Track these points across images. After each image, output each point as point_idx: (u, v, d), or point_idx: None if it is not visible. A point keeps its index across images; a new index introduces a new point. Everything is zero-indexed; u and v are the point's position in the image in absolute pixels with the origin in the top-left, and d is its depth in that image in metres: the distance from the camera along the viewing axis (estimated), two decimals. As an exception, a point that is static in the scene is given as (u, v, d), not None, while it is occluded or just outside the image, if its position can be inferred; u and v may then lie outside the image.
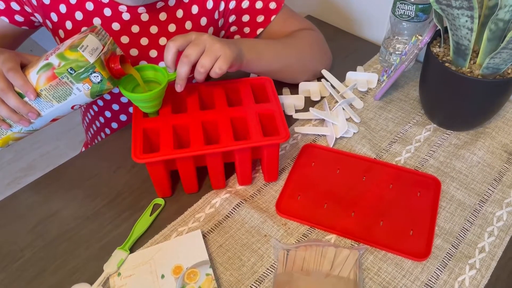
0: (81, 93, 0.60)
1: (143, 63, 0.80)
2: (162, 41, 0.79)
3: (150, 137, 0.64)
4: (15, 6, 0.76)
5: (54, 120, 0.66)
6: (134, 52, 0.78)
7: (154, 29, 0.78)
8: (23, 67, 0.62)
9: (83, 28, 0.75)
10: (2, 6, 0.76)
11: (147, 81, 0.66)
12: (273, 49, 0.76)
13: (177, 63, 0.63)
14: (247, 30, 0.83)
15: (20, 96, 0.61)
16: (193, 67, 0.63)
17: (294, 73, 0.83)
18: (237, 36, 0.85)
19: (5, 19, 0.76)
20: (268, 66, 0.76)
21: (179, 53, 0.63)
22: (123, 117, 0.90)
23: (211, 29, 0.82)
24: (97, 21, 0.75)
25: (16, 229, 0.64)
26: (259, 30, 0.82)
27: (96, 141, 0.99)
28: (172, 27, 0.78)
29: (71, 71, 0.58)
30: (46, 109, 0.62)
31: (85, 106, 0.68)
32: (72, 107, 0.63)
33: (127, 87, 0.64)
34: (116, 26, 0.76)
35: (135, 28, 0.77)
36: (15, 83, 0.60)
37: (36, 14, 0.77)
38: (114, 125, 0.91)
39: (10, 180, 1.76)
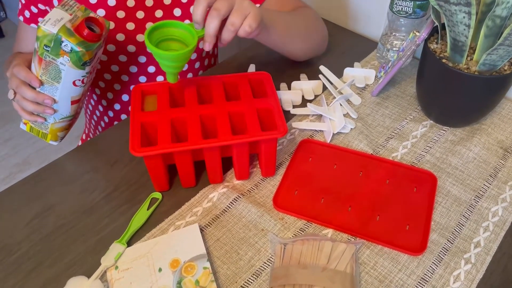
0: (66, 66, 0.62)
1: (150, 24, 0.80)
2: (158, 13, 0.79)
3: (148, 131, 0.64)
4: (34, 9, 0.78)
5: (74, 102, 0.69)
6: (130, 26, 0.79)
7: (149, 2, 0.78)
8: None
9: None
10: (28, 15, 0.79)
11: (172, 39, 0.62)
12: (284, 18, 0.76)
13: (205, 20, 0.60)
14: None
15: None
16: (221, 27, 0.61)
17: (300, 44, 0.83)
18: None
19: (34, 26, 0.80)
20: (280, 35, 0.75)
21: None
22: (123, 117, 0.90)
23: None
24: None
25: (12, 223, 0.64)
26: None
27: None
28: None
29: (46, 48, 0.60)
30: (55, 93, 0.66)
31: (89, 86, 0.70)
32: (74, 83, 0.65)
33: (152, 41, 0.60)
34: (111, 2, 0.77)
35: (130, 3, 0.78)
36: (20, 76, 0.65)
37: (39, 5, 0.79)
38: None
39: (6, 175, 1.75)
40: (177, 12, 0.80)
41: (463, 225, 0.63)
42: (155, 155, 0.60)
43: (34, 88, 0.66)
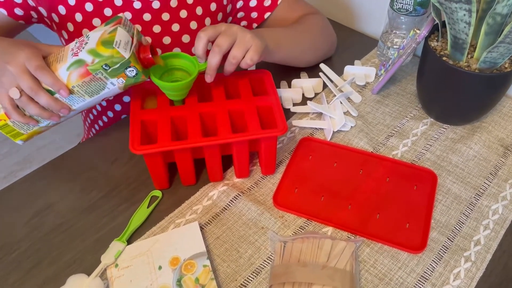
0: (115, 87, 0.61)
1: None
2: (175, 27, 0.79)
3: (148, 129, 0.64)
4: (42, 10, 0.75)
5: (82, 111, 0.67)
6: (157, 28, 0.79)
7: (166, 16, 0.78)
8: (44, 59, 0.60)
9: (109, 19, 0.68)
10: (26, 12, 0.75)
11: (175, 69, 0.66)
12: (290, 37, 0.78)
13: (207, 54, 0.63)
14: (254, 15, 0.83)
15: (50, 93, 0.59)
16: (223, 58, 0.63)
17: (307, 57, 0.85)
18: (243, 23, 0.86)
19: (3, 11, 0.75)
20: (287, 54, 0.78)
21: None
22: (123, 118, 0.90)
23: (220, 15, 0.83)
24: (108, 11, 0.75)
25: (12, 221, 0.64)
26: (267, 14, 0.83)
27: None
28: (183, 13, 0.79)
29: (106, 68, 0.57)
30: (77, 104, 0.63)
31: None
32: (103, 99, 0.64)
33: (155, 74, 0.63)
34: (128, 15, 0.77)
35: (146, 16, 0.77)
36: (46, 82, 0.58)
37: (40, 8, 0.76)
38: None
39: (6, 173, 1.75)
40: (199, 10, 0.80)
41: (463, 223, 0.63)
42: (155, 153, 0.60)
43: (50, 93, 0.60)
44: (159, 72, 0.64)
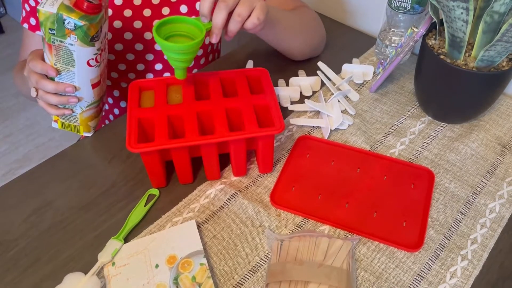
0: (76, 46, 0.61)
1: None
2: (165, 10, 0.79)
3: (145, 128, 0.64)
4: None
5: (95, 85, 0.68)
6: (138, 24, 0.79)
7: (166, 11, 0.78)
8: None
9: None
10: (33, 22, 0.78)
11: (178, 35, 0.63)
12: (286, 17, 0.76)
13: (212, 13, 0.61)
14: None
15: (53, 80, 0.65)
16: (228, 18, 0.61)
17: (301, 45, 0.84)
18: None
19: (40, 33, 0.77)
20: (281, 33, 0.76)
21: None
22: None
23: None
24: (108, 12, 0.75)
25: (10, 219, 0.64)
26: None
27: None
28: (183, 8, 0.79)
29: (51, 32, 0.59)
30: (73, 78, 0.65)
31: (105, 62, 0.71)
32: (88, 63, 0.64)
33: (160, 36, 0.60)
34: (128, 12, 0.77)
35: (147, 12, 0.78)
36: (37, 69, 0.64)
37: None
38: None
39: (6, 171, 1.75)
40: (184, 8, 0.80)
41: (460, 222, 0.63)
42: (152, 151, 0.60)
43: (53, 80, 0.65)
44: (162, 37, 0.61)
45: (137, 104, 0.65)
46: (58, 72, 0.64)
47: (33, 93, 0.67)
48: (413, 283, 0.57)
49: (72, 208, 0.66)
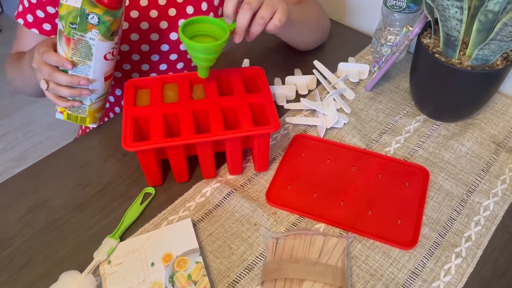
0: (96, 41, 0.61)
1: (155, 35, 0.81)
2: (172, 12, 0.80)
3: (141, 126, 0.64)
4: (40, 13, 0.76)
5: (107, 78, 0.68)
6: (144, 25, 0.80)
7: (172, 12, 0.79)
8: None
9: None
10: (30, 19, 0.77)
11: (201, 35, 0.64)
12: (301, 15, 0.78)
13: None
14: None
15: (66, 73, 0.65)
16: (250, 21, 0.63)
17: (312, 40, 0.88)
18: None
19: (35, 31, 0.78)
20: (299, 30, 0.79)
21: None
22: None
23: (221, 9, 0.83)
24: None
25: (5, 218, 0.64)
26: None
27: None
28: (189, 9, 0.80)
29: (73, 26, 0.59)
30: (88, 72, 0.65)
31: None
32: (105, 57, 0.64)
33: (186, 35, 0.61)
34: (135, 13, 0.77)
35: (153, 13, 0.79)
36: (51, 62, 0.63)
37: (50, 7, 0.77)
38: None
39: (2, 170, 1.75)
40: (190, 9, 0.81)
41: (454, 220, 0.64)
42: (147, 149, 0.60)
43: (66, 72, 0.65)
44: (190, 34, 0.62)
45: (132, 103, 0.65)
46: (74, 65, 0.63)
47: (43, 85, 0.66)
48: (407, 280, 0.57)
49: (68, 207, 0.66)
